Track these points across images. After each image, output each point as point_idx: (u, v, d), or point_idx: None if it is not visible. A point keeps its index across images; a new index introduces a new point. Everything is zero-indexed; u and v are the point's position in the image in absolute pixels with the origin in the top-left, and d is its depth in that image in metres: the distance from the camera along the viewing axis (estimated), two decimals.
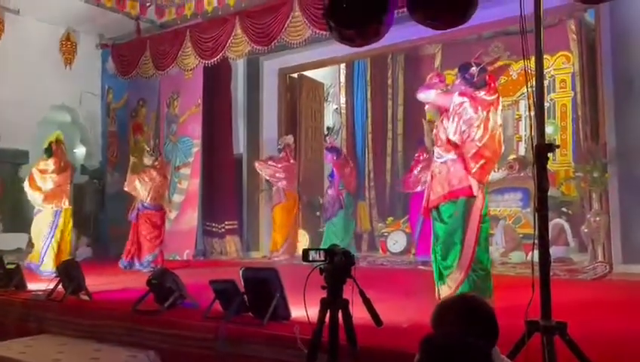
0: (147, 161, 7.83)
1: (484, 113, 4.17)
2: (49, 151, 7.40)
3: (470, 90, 4.25)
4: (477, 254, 4.17)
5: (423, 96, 4.55)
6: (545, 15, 2.62)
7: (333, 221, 8.06)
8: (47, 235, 7.14)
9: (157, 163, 7.82)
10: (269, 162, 8.77)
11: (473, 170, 4.17)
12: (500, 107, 4.37)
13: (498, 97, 4.29)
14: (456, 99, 4.24)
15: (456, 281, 4.19)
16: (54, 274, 6.47)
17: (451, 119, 4.26)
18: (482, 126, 4.16)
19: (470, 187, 4.19)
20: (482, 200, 4.22)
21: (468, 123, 4.17)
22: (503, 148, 4.36)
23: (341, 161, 8.28)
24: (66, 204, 7.30)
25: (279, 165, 8.61)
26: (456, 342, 1.39)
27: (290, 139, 8.97)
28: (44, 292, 5.08)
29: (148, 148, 8.45)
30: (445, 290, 4.24)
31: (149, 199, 7.55)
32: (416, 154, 8.69)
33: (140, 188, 7.56)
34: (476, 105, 4.18)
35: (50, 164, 7.31)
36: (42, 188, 7.21)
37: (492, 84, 4.27)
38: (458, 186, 4.23)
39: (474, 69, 4.28)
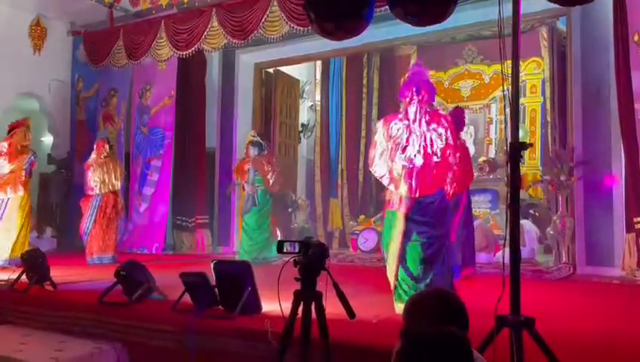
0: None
1: (405, 124, 3.93)
2: (10, 133, 7.12)
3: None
4: (400, 272, 3.88)
5: None
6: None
7: (245, 218, 7.65)
8: None
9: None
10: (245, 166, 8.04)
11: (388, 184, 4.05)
12: (427, 117, 3.93)
13: (420, 104, 3.93)
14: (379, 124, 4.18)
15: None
16: (4, 263, 6.40)
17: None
18: (399, 140, 3.92)
19: (389, 201, 4.10)
20: (403, 217, 3.88)
21: (388, 141, 3.98)
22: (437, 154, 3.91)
23: (263, 157, 7.84)
24: (21, 191, 6.98)
25: (246, 166, 7.92)
26: (438, 330, 1.41)
27: (252, 132, 8.48)
28: (6, 282, 4.95)
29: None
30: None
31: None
32: None
33: None
34: (389, 123, 4.00)
35: (4, 146, 6.99)
36: None
37: (408, 95, 3.97)
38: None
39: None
